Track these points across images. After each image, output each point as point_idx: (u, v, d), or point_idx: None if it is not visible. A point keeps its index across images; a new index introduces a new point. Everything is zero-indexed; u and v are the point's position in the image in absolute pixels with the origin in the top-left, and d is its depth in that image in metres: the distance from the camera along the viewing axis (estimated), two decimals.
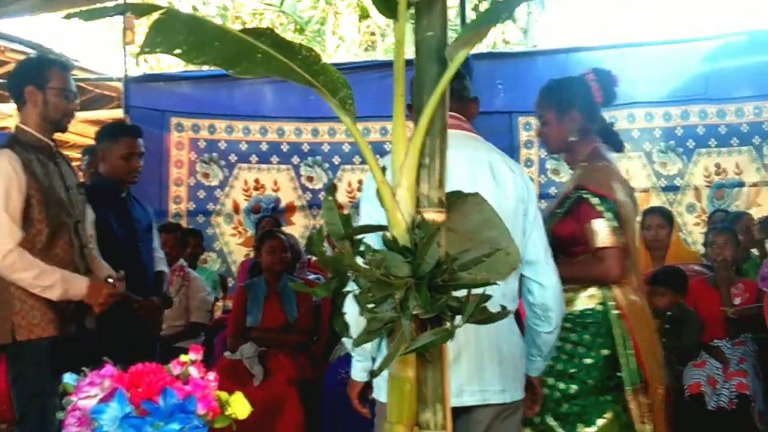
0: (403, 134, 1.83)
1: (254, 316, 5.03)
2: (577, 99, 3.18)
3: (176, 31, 1.76)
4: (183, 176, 7.18)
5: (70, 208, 3.35)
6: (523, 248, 2.53)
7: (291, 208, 7.36)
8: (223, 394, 1.88)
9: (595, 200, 3.00)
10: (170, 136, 7.15)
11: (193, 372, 1.80)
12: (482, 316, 1.76)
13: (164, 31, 1.76)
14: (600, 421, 2.97)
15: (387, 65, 5.08)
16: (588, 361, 2.97)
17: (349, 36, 16.53)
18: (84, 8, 1.98)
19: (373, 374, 1.78)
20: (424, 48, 1.85)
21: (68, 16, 2.14)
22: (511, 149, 7.01)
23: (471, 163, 2.56)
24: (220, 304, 6.80)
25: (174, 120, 7.18)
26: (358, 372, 2.62)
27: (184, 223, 7.00)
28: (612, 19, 24.37)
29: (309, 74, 1.80)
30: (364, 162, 6.84)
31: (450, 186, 2.51)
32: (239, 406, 1.87)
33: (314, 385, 4.79)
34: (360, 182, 7.08)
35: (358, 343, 1.82)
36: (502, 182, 2.56)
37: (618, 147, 3.94)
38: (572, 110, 3.17)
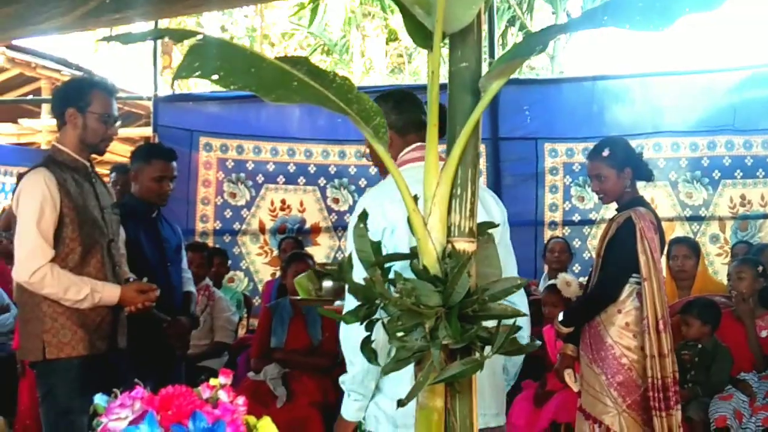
0: (436, 164, 1.84)
1: (279, 337, 5.04)
2: None
3: (212, 57, 1.78)
4: (210, 195, 7.23)
5: (104, 227, 3.37)
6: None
7: (316, 229, 7.38)
8: (251, 419, 1.89)
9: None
10: (198, 155, 7.21)
11: (223, 396, 1.81)
12: (512, 348, 1.76)
13: (200, 56, 1.78)
14: None
15: (413, 89, 5.08)
16: None
17: (377, 58, 16.61)
18: (121, 33, 2.01)
19: (401, 404, 1.77)
20: (458, 79, 1.86)
21: (106, 39, 2.17)
22: (536, 175, 7.02)
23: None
24: (243, 323, 6.82)
25: (203, 140, 7.24)
26: (354, 411, 2.58)
27: (210, 241, 7.04)
28: (639, 47, 24.29)
29: (343, 102, 1.82)
30: None
31: None
32: (267, 431, 1.88)
33: (337, 408, 4.77)
34: None
35: (386, 371, 1.82)
36: (490, 211, 2.61)
37: (648, 176, 3.97)
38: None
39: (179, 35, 1.89)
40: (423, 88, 2.47)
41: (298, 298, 3.29)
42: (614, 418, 3.82)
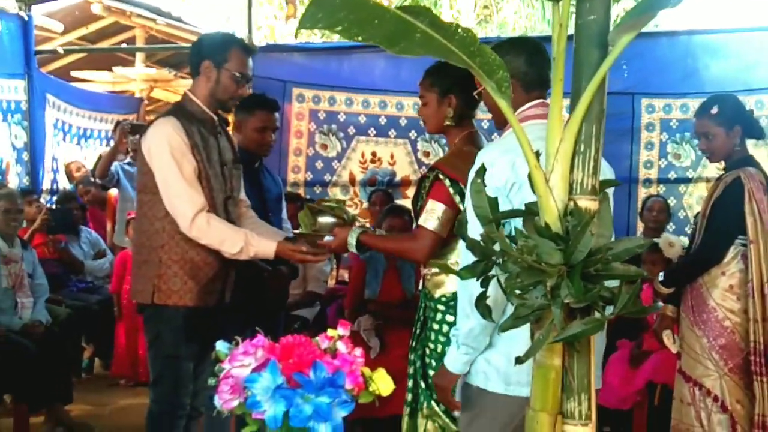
0: (560, 120, 1.81)
1: (372, 289, 5.06)
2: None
3: (337, 8, 1.77)
4: (302, 146, 7.26)
5: (222, 183, 3.40)
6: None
7: (406, 182, 7.36)
8: (366, 370, 1.90)
9: (447, 182, 2.93)
10: (291, 106, 7.23)
11: (341, 347, 1.83)
12: (634, 308, 1.73)
13: (324, 6, 1.77)
14: None
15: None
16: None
17: (465, 9, 16.39)
18: None
19: (519, 361, 1.76)
20: (585, 32, 1.81)
21: None
22: (631, 131, 6.86)
23: None
24: (333, 274, 6.88)
25: (295, 91, 7.25)
26: (462, 365, 2.53)
27: (301, 192, 7.08)
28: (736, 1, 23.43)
29: (466, 55, 1.79)
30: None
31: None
32: (382, 383, 1.89)
33: None
34: None
35: (504, 328, 1.81)
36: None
37: (759, 134, 3.83)
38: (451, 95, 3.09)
39: None
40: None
41: (297, 232, 3.35)
42: (715, 381, 3.75)
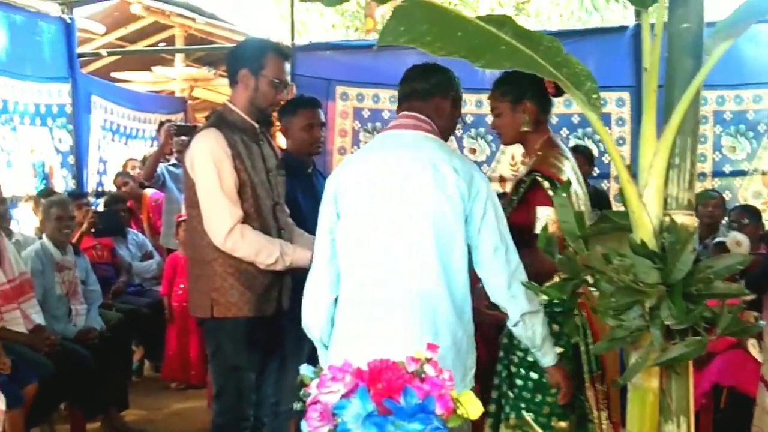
0: (653, 132, 1.74)
1: None
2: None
3: (419, 20, 1.72)
4: (347, 145, 7.21)
5: (269, 190, 3.38)
6: (474, 248, 2.51)
7: None
8: (454, 393, 1.85)
9: (546, 184, 2.84)
10: (335, 104, 7.18)
11: (429, 370, 1.77)
12: (737, 328, 1.66)
13: (406, 19, 1.72)
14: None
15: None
16: (558, 350, 2.82)
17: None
18: None
19: (616, 384, 1.71)
20: (678, 41, 1.75)
21: None
22: None
23: (411, 163, 2.51)
24: None
25: (339, 89, 7.20)
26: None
27: None
28: None
29: (552, 66, 1.73)
30: None
31: (384, 186, 2.51)
32: (471, 406, 1.84)
33: (487, 366, 4.68)
34: (524, 155, 6.94)
35: (597, 350, 1.76)
36: (443, 183, 2.47)
37: None
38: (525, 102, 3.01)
39: None
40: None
41: None
42: None
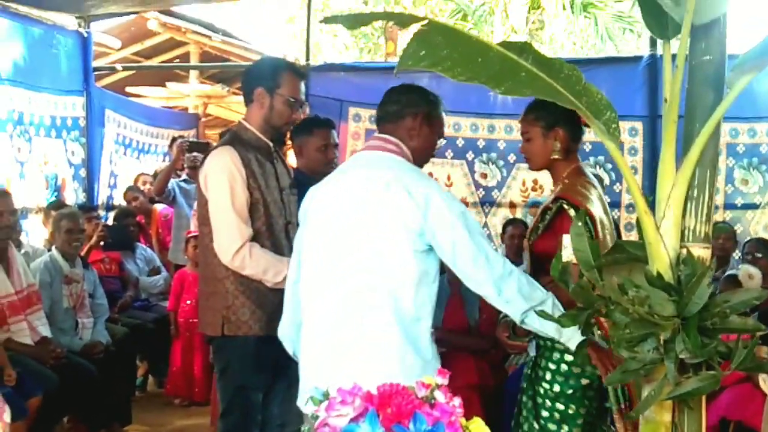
0: (672, 164, 1.73)
1: (436, 316, 4.94)
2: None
3: (439, 45, 1.71)
4: None
5: (282, 209, 3.38)
6: (454, 267, 2.52)
7: (463, 204, 7.27)
8: (463, 420, 1.83)
9: (572, 212, 2.80)
10: (347, 125, 7.18)
11: (439, 396, 1.76)
12: (752, 364, 1.64)
13: (427, 44, 1.71)
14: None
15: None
16: (584, 381, 2.81)
17: (518, 24, 16.26)
18: (345, 14, 1.96)
19: (629, 417, 1.69)
20: (699, 73, 1.74)
21: (328, 20, 2.12)
22: None
23: (366, 182, 2.53)
24: None
25: (352, 110, 7.21)
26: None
27: None
28: None
29: (572, 95, 1.73)
30: None
31: (339, 205, 2.55)
32: None
33: (495, 393, 4.66)
34: (535, 182, 6.95)
35: (610, 382, 1.74)
36: (391, 202, 2.46)
37: None
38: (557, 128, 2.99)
39: (406, 20, 1.82)
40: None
41: None
42: None
